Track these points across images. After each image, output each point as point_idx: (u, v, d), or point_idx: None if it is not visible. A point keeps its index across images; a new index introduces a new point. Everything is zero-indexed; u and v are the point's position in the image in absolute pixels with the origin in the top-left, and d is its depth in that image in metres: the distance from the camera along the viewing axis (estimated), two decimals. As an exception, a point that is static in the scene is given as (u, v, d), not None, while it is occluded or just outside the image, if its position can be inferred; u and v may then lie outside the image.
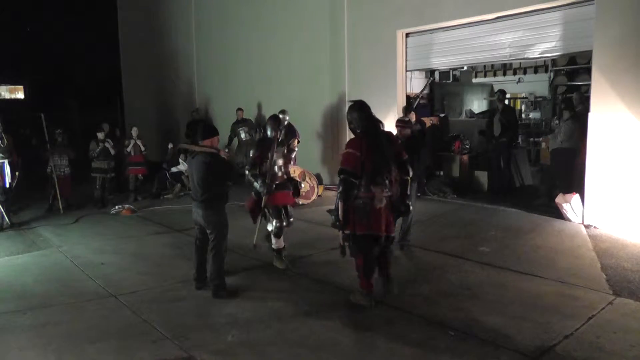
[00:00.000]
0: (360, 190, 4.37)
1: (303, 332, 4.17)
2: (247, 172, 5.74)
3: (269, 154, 5.66)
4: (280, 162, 5.86)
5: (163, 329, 4.25)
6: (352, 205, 4.41)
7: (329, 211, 4.56)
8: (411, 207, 4.86)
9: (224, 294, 4.93)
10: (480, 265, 5.68)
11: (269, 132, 5.89)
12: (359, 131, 4.45)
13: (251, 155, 5.94)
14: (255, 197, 5.75)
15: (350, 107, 4.55)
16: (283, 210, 5.85)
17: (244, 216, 7.82)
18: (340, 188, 4.46)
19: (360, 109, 4.47)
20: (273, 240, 5.89)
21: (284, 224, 5.83)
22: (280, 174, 5.87)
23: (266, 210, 5.81)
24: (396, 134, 6.18)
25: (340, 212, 4.45)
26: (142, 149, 10.34)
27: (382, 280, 4.68)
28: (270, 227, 5.91)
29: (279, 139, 5.87)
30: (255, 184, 5.66)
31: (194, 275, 5.18)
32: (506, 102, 10.15)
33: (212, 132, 5.15)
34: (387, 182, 4.39)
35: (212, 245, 4.99)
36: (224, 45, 13.50)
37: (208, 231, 5.02)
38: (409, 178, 4.63)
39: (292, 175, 9.27)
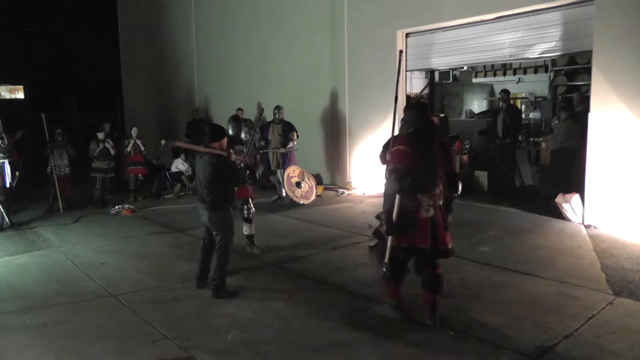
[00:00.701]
0: (406, 197, 3.97)
1: (303, 332, 4.17)
2: None
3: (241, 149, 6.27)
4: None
5: (163, 329, 4.25)
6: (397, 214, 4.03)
7: (378, 217, 4.18)
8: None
9: (224, 294, 4.91)
10: (480, 265, 5.68)
11: (230, 131, 6.40)
12: (411, 130, 4.13)
13: None
14: None
15: (409, 107, 4.26)
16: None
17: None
18: (394, 189, 4.03)
19: (422, 108, 4.21)
20: (245, 226, 6.34)
21: (252, 211, 6.30)
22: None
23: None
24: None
25: (395, 214, 3.98)
26: (142, 148, 10.34)
27: (426, 309, 4.15)
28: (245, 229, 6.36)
29: (242, 138, 6.65)
30: None
31: (197, 274, 5.18)
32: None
33: (221, 133, 5.12)
34: (435, 190, 4.01)
35: (219, 246, 4.99)
36: (224, 45, 13.50)
37: (214, 232, 5.03)
38: (455, 195, 4.28)
39: (291, 174, 9.36)
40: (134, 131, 10.43)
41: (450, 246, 4.08)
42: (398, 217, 3.99)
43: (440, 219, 4.04)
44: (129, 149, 10.25)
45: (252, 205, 6.35)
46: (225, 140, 5.10)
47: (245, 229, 6.35)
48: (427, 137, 4.09)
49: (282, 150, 9.60)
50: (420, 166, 3.97)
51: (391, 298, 4.31)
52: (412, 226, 3.96)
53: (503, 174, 9.31)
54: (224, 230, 4.98)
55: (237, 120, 6.71)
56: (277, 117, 9.82)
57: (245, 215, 6.29)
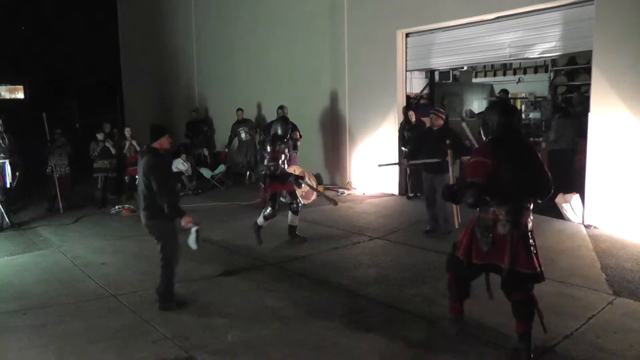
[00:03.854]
0: (484, 210, 3.61)
1: (303, 332, 4.17)
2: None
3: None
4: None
5: (163, 329, 4.25)
6: (472, 227, 3.72)
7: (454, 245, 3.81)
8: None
9: (171, 305, 4.69)
10: (480, 265, 5.67)
11: (279, 131, 6.78)
12: (490, 137, 3.67)
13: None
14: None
15: (490, 107, 3.79)
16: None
17: (246, 216, 7.83)
18: (470, 202, 3.58)
19: (505, 113, 3.65)
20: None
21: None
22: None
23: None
24: (429, 124, 6.95)
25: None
26: (138, 148, 10.39)
27: (518, 339, 3.66)
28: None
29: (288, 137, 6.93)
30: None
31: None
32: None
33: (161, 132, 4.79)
34: (514, 204, 3.55)
35: (161, 256, 4.73)
36: (224, 45, 13.50)
37: (155, 242, 4.76)
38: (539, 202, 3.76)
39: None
40: (127, 132, 10.53)
41: (537, 269, 3.55)
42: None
43: (521, 236, 3.55)
44: (125, 150, 10.29)
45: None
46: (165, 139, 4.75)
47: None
48: (510, 143, 3.60)
49: (294, 152, 9.64)
50: (501, 177, 3.50)
51: (453, 315, 3.97)
52: (486, 243, 3.58)
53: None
54: (165, 239, 4.73)
55: (285, 120, 7.05)
56: (280, 116, 9.82)
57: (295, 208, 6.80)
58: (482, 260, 3.65)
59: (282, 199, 6.78)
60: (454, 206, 4.35)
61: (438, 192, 6.52)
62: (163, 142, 4.74)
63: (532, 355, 3.60)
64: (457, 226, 4.65)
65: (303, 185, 9.41)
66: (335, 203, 7.15)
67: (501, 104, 3.90)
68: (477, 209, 3.65)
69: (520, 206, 3.55)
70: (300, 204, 6.89)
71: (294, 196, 6.82)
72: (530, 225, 3.61)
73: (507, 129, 3.61)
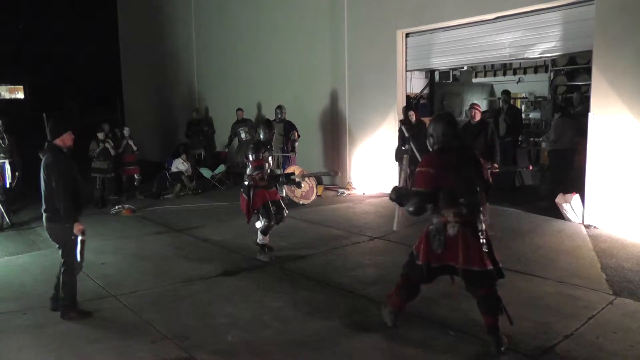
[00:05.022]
0: (434, 215, 3.82)
1: (303, 332, 4.17)
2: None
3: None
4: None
5: (163, 329, 4.25)
6: (426, 232, 3.89)
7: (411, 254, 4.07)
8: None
9: (74, 315, 4.50)
10: (480, 265, 5.67)
11: (262, 137, 6.28)
12: (436, 147, 3.94)
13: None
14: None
15: (435, 119, 4.03)
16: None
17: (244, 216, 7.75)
18: (412, 212, 3.89)
19: (449, 125, 3.93)
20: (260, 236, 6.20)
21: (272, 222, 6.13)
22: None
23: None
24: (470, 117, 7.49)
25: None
26: (134, 148, 10.54)
27: (486, 332, 3.80)
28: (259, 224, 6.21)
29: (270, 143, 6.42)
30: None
31: (52, 294, 4.66)
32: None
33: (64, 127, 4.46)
34: (470, 206, 3.75)
35: (62, 262, 4.49)
36: (224, 45, 13.50)
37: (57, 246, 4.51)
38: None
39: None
40: (126, 131, 10.59)
41: (488, 267, 3.74)
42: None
43: (472, 235, 3.74)
44: (121, 148, 10.35)
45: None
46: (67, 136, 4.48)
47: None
48: (453, 151, 3.88)
49: (292, 154, 9.68)
50: (447, 182, 3.75)
51: (393, 308, 4.14)
52: (440, 245, 3.76)
53: (506, 174, 9.29)
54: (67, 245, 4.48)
55: (268, 124, 6.42)
56: (279, 117, 9.84)
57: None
58: (439, 262, 3.83)
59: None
60: (398, 209, 4.55)
61: None
62: (65, 139, 4.44)
63: (502, 348, 3.70)
64: (395, 229, 4.72)
65: (303, 184, 9.47)
66: (329, 173, 6.89)
67: (446, 116, 4.12)
68: (417, 217, 3.95)
69: (468, 207, 3.74)
70: (286, 214, 6.25)
71: (279, 206, 6.16)
72: (482, 225, 3.79)
73: (452, 138, 3.90)
